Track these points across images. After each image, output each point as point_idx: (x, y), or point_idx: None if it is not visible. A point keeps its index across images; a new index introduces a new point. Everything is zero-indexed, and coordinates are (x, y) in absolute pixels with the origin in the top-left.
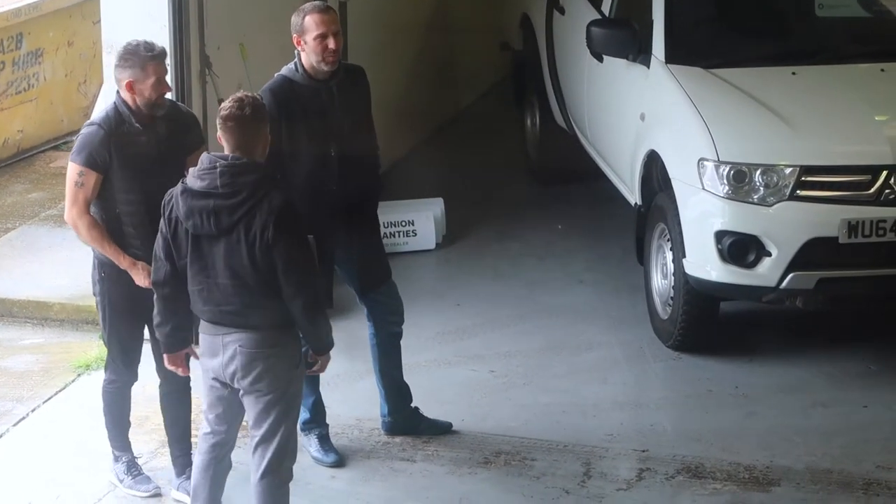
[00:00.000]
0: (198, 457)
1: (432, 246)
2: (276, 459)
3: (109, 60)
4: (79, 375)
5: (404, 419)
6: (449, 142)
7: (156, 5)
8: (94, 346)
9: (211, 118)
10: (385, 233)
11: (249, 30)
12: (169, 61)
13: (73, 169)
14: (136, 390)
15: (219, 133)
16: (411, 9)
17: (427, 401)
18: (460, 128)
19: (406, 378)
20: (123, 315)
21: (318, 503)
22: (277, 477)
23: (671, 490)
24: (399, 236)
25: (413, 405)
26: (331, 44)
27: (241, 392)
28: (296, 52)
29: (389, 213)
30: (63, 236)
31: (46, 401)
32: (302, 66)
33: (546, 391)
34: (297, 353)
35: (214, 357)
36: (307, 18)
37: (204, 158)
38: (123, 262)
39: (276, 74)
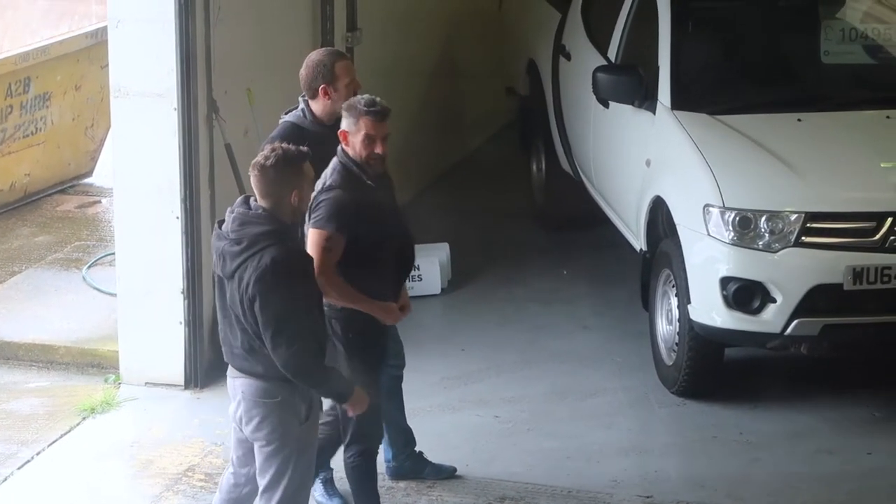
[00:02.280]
0: (217, 494)
1: (437, 291)
2: None
3: (117, 104)
4: (84, 419)
5: (408, 463)
6: (455, 186)
7: (164, 49)
8: (99, 390)
9: (217, 162)
10: None
11: (256, 75)
12: (176, 105)
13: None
14: (141, 434)
15: None
16: (418, 54)
17: (432, 446)
18: (466, 172)
19: (410, 423)
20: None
21: None
22: None
23: None
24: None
25: (417, 449)
26: (358, 88)
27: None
28: (302, 99)
29: None
30: (69, 279)
31: (51, 444)
32: (311, 112)
33: (551, 436)
34: (304, 406)
35: (232, 399)
36: (338, 66)
37: (237, 201)
38: (375, 308)
39: (281, 121)
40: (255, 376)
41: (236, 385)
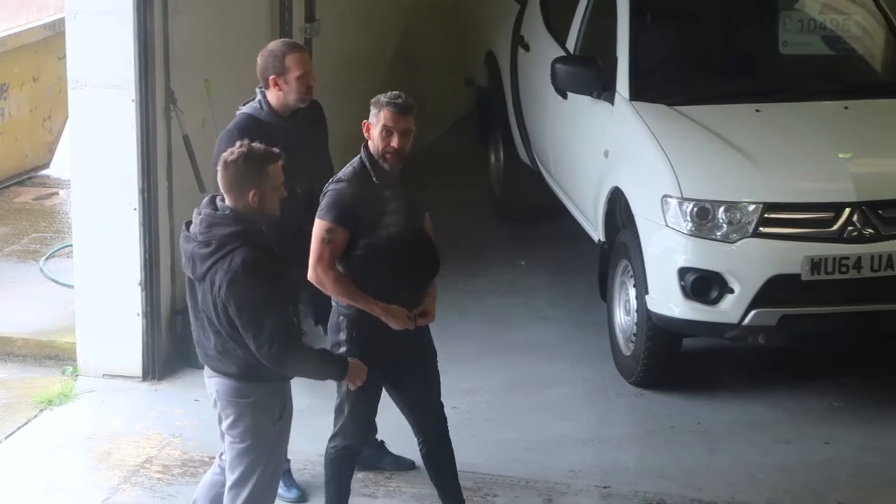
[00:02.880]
0: (199, 489)
1: None
2: None
3: (75, 96)
4: (41, 411)
5: (369, 451)
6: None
7: (121, 41)
8: (56, 382)
9: (175, 154)
10: None
11: (214, 66)
12: (133, 97)
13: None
14: (99, 426)
15: None
16: (377, 45)
17: (390, 436)
18: (425, 164)
19: None
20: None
21: None
22: None
23: None
24: None
25: (379, 438)
26: (312, 81)
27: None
28: (259, 90)
29: None
30: (26, 271)
31: (8, 436)
32: (268, 103)
33: (508, 427)
34: (277, 407)
35: (210, 397)
36: (289, 58)
37: (204, 201)
38: (376, 309)
39: (238, 113)
40: (229, 376)
41: (211, 384)
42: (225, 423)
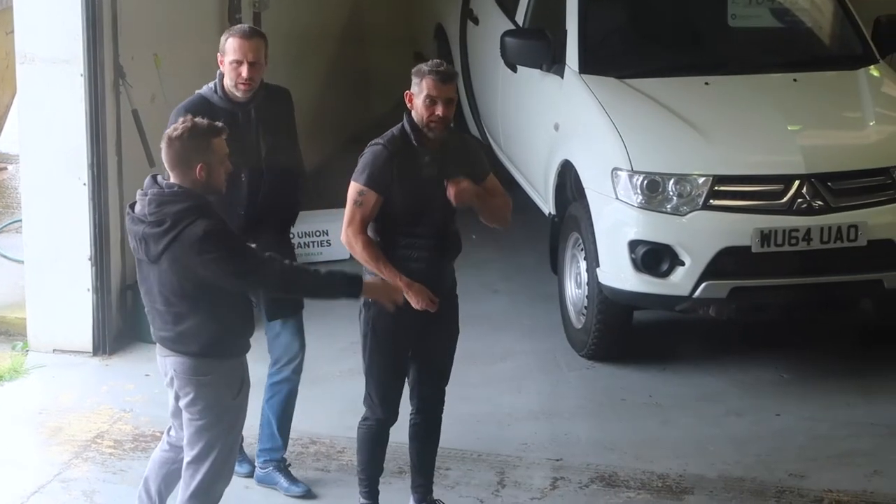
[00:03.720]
0: (150, 467)
1: (347, 255)
2: (207, 481)
3: (23, 71)
4: None
5: (270, 468)
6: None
7: (69, 15)
8: (6, 357)
9: (124, 129)
10: (299, 243)
11: (164, 41)
12: (82, 71)
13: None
14: (49, 401)
15: None
16: (327, 19)
17: (341, 411)
18: (375, 136)
19: (320, 388)
20: (387, 348)
21: None
22: (208, 498)
23: (585, 499)
24: (313, 246)
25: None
26: (244, 72)
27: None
28: (218, 71)
29: (303, 223)
30: None
31: None
32: (222, 86)
33: (461, 400)
34: (236, 383)
35: (164, 376)
36: (229, 41)
37: (146, 182)
38: (399, 282)
39: (195, 92)
40: (188, 355)
41: (168, 363)
42: (184, 401)
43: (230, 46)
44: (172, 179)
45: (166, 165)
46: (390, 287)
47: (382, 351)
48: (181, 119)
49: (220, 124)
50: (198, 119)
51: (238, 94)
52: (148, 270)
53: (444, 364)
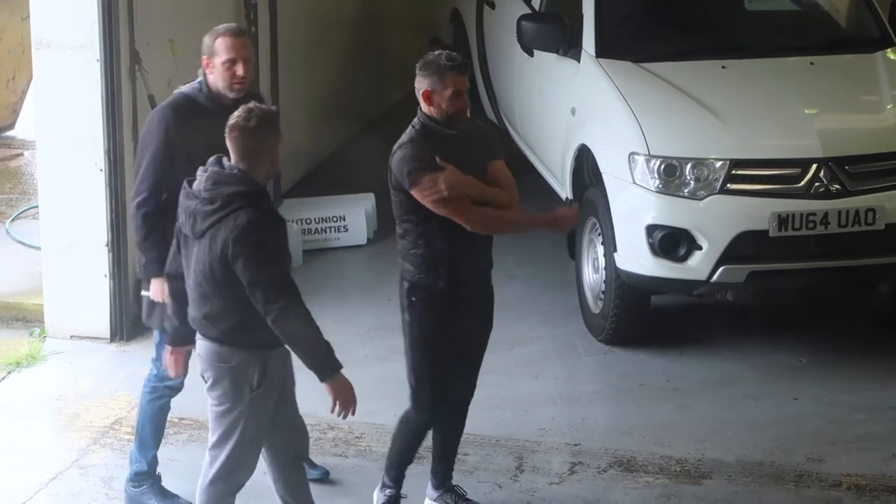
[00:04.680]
0: None
1: (363, 241)
2: (226, 469)
3: (39, 56)
4: (9, 373)
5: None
6: (379, 137)
7: (85, 1)
8: (24, 344)
9: (141, 114)
10: (316, 228)
11: (180, 26)
12: (98, 57)
13: None
14: (67, 388)
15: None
16: (340, 4)
17: (361, 397)
18: (391, 123)
19: None
20: (432, 345)
21: (251, 502)
22: (227, 486)
23: (603, 484)
24: (330, 231)
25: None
26: (239, 70)
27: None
28: (200, 71)
29: (320, 209)
30: None
31: None
32: (207, 87)
33: (479, 386)
34: (255, 375)
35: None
36: (218, 41)
37: (210, 160)
38: (538, 222)
39: (175, 92)
40: (211, 339)
41: (200, 347)
42: (206, 385)
43: (221, 46)
44: (243, 168)
45: (237, 155)
46: (350, 390)
47: (433, 353)
48: (244, 108)
49: (275, 108)
50: (259, 105)
51: (232, 93)
52: (191, 247)
53: (480, 354)
